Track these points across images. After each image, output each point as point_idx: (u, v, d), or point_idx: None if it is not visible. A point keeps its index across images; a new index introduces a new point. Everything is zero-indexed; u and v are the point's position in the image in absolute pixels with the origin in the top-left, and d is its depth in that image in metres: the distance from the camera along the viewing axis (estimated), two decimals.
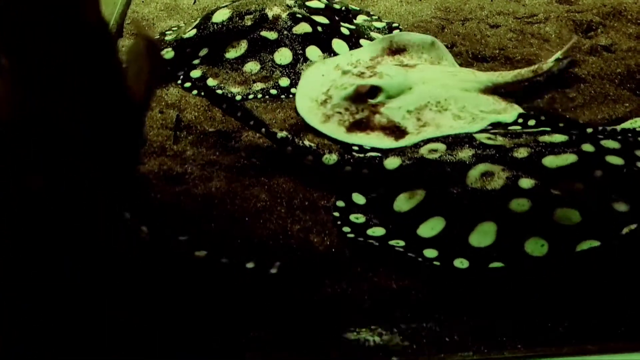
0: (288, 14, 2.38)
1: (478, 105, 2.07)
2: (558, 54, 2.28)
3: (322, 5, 2.50)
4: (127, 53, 0.98)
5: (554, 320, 1.44)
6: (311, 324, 1.46)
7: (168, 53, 2.35)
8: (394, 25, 2.62)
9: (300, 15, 2.38)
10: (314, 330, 1.45)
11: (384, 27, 2.60)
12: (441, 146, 1.80)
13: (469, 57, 2.45)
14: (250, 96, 2.22)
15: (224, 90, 2.20)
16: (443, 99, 2.04)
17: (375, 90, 2.03)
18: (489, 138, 1.81)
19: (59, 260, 1.26)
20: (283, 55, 2.30)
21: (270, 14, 2.38)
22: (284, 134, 1.89)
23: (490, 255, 1.54)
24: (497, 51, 2.48)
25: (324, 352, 1.40)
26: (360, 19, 2.62)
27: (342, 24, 2.48)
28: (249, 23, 2.36)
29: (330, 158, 1.84)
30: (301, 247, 1.64)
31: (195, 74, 2.31)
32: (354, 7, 2.68)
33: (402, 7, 2.82)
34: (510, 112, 2.09)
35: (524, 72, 2.20)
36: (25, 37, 0.87)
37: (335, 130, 2.00)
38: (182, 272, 1.52)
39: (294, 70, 2.28)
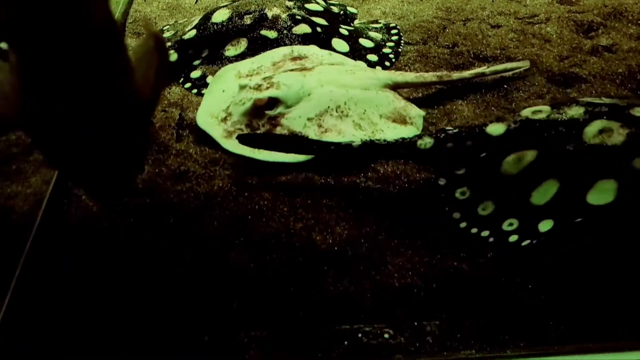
0: (288, 15, 2.38)
1: (378, 106, 2.03)
2: (484, 68, 2.25)
3: (320, 8, 2.50)
4: (136, 51, 0.98)
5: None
6: (313, 323, 1.46)
7: (172, 55, 2.35)
8: (391, 25, 2.62)
9: (299, 17, 2.39)
10: (316, 328, 1.44)
11: (382, 27, 2.61)
12: (545, 107, 1.75)
13: (470, 57, 2.45)
14: None
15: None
16: (343, 103, 1.99)
17: (273, 102, 1.95)
18: (595, 99, 1.76)
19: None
20: None
21: (270, 13, 2.38)
22: (358, 141, 1.81)
23: (611, 214, 1.48)
24: (499, 51, 2.48)
25: (326, 351, 1.40)
26: (357, 22, 2.63)
27: (341, 25, 2.49)
28: (248, 22, 2.37)
29: (426, 142, 1.77)
30: (303, 245, 1.64)
31: (195, 74, 2.31)
32: (351, 9, 2.68)
33: (403, 7, 2.82)
34: (410, 109, 2.08)
35: (428, 75, 2.19)
36: (34, 36, 0.87)
37: (237, 146, 1.91)
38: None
39: None
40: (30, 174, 1.85)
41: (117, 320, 1.44)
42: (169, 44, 2.41)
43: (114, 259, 1.60)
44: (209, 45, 2.37)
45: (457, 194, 1.67)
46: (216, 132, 1.97)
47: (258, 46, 2.33)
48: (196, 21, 2.48)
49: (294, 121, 1.94)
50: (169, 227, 1.70)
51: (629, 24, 2.68)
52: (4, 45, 2.10)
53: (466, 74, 2.23)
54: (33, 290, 1.52)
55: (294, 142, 1.85)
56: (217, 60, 2.33)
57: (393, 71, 2.24)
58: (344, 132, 1.93)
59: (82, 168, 1.02)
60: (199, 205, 1.78)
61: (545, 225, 1.53)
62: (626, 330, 1.40)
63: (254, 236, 1.67)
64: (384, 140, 1.82)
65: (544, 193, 1.57)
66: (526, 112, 1.75)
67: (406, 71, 2.35)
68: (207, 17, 2.44)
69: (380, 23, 2.65)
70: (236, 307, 1.48)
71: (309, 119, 1.94)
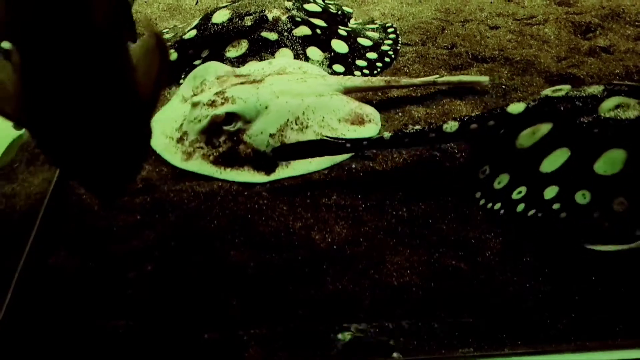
0: (288, 17, 2.39)
1: (335, 110, 2.02)
2: (436, 77, 2.23)
3: (319, 9, 2.52)
4: (137, 50, 1.00)
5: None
6: (312, 321, 1.47)
7: (171, 55, 2.36)
8: (387, 25, 2.63)
9: (299, 19, 2.40)
10: (315, 326, 1.45)
11: (379, 27, 2.62)
12: (565, 86, 1.82)
13: (469, 58, 2.47)
14: None
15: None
16: (301, 113, 1.96)
17: (231, 117, 1.88)
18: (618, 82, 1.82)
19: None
20: (284, 55, 2.32)
21: (270, 15, 2.39)
22: (388, 134, 1.86)
23: (615, 185, 1.51)
24: (497, 52, 2.49)
25: (325, 349, 1.41)
26: (353, 22, 2.65)
27: (339, 26, 2.51)
28: (249, 24, 2.38)
29: (452, 125, 1.84)
30: (303, 244, 1.65)
31: None
32: (347, 9, 2.69)
33: (402, 9, 2.84)
34: (364, 109, 2.08)
35: (375, 80, 2.19)
36: (38, 36, 0.89)
37: (201, 166, 1.86)
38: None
39: None
40: (31, 174, 1.86)
41: (117, 318, 1.45)
42: (168, 44, 2.42)
43: (114, 257, 1.61)
44: (210, 46, 2.38)
45: (479, 174, 1.75)
46: (175, 156, 1.90)
47: (259, 47, 2.34)
48: (196, 21, 2.49)
49: (256, 138, 1.89)
50: (169, 225, 1.71)
51: (627, 25, 2.69)
52: (5, 45, 2.11)
53: (416, 81, 2.22)
54: (34, 288, 1.53)
55: (328, 144, 1.85)
56: (218, 60, 2.34)
57: (342, 76, 2.23)
58: None
59: (84, 166, 1.03)
60: (199, 204, 1.79)
61: (550, 192, 1.57)
62: (627, 328, 1.41)
63: (254, 235, 1.68)
64: (413, 129, 1.88)
65: (554, 161, 1.62)
66: (546, 91, 1.82)
67: (404, 72, 2.37)
68: (208, 17, 2.45)
69: (376, 23, 2.66)
70: (236, 305, 1.49)
71: (271, 135, 1.90)
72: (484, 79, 2.27)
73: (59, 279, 1.56)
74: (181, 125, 1.96)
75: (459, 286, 1.53)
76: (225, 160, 1.87)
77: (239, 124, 1.90)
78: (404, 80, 2.22)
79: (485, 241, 1.64)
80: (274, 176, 1.86)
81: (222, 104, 1.92)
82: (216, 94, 1.96)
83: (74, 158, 1.02)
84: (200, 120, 1.91)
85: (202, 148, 1.89)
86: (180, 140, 1.92)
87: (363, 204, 1.79)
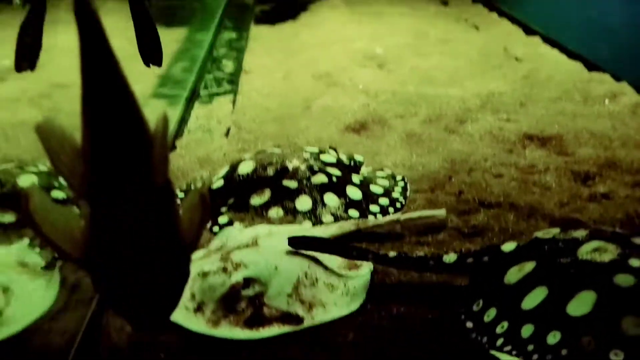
0: (306, 166, 2.62)
1: (330, 259, 2.08)
2: (399, 215, 2.39)
3: (333, 160, 2.75)
4: (185, 202, 1.19)
5: None
6: None
7: None
8: (397, 176, 2.82)
9: (317, 168, 2.63)
10: None
11: (389, 175, 2.83)
12: (554, 230, 2.00)
13: (476, 204, 2.61)
14: None
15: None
16: (307, 267, 2.01)
17: (248, 282, 1.89)
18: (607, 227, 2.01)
19: None
20: (304, 202, 2.51)
21: (290, 166, 2.62)
22: (393, 253, 2.05)
23: (584, 326, 1.59)
24: (502, 198, 2.64)
25: None
26: (364, 170, 2.86)
27: (353, 174, 2.72)
28: (271, 173, 2.60)
29: (451, 257, 2.01)
30: None
31: (223, 219, 2.49)
32: (359, 158, 2.88)
33: (412, 159, 3.04)
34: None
35: (346, 225, 2.35)
36: (106, 191, 1.07)
37: (233, 332, 1.83)
38: None
39: (314, 215, 2.48)
40: (65, 312, 1.96)
41: None
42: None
43: None
44: (235, 194, 2.57)
45: (474, 306, 1.85)
46: (200, 326, 1.85)
47: (281, 195, 2.53)
48: (223, 172, 2.72)
49: (276, 301, 1.90)
50: None
51: (623, 174, 2.85)
52: (57, 195, 2.32)
53: (381, 221, 2.39)
54: None
55: (337, 246, 2.08)
56: (243, 208, 2.52)
57: (319, 226, 2.38)
58: (327, 302, 1.94)
59: (133, 302, 1.16)
60: (219, 346, 1.84)
61: (526, 331, 1.67)
62: None
63: None
64: (416, 255, 2.08)
65: (533, 298, 1.74)
66: (538, 233, 2.01)
67: None
68: (234, 168, 2.68)
69: (384, 171, 2.87)
70: None
71: (289, 296, 1.92)
72: (441, 212, 2.44)
73: None
74: (193, 294, 1.91)
75: None
76: (256, 323, 1.86)
77: (257, 288, 1.91)
78: (371, 222, 2.39)
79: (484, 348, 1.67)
80: (302, 326, 1.88)
81: (236, 269, 1.92)
82: (221, 259, 1.97)
83: (126, 294, 1.15)
84: (216, 289, 1.90)
85: (227, 316, 1.87)
86: (198, 309, 1.88)
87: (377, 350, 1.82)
